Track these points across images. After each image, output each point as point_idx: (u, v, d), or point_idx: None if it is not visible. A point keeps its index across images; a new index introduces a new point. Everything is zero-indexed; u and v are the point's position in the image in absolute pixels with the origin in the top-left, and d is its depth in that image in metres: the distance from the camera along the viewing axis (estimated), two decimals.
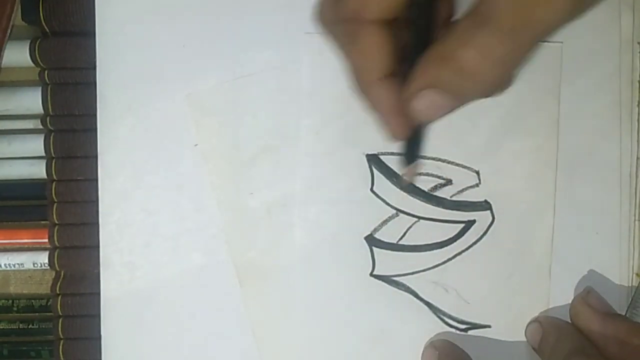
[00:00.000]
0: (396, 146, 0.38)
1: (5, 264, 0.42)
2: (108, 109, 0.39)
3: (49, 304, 0.42)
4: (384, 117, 0.30)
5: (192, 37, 0.38)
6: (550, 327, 0.37)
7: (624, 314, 0.38)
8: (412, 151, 0.33)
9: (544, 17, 0.27)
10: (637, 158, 0.39)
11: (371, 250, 0.38)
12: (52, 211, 0.40)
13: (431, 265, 0.38)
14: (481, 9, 0.27)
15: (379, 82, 0.29)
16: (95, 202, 0.39)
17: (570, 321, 0.37)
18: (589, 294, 0.37)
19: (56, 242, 0.40)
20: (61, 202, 0.40)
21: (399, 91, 0.29)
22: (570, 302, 0.38)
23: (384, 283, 0.38)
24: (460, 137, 0.38)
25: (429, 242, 0.38)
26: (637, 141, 0.39)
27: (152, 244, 0.39)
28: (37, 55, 0.40)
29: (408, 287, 0.38)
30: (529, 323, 0.38)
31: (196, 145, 0.39)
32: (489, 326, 0.38)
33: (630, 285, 0.38)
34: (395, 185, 0.38)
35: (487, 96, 0.29)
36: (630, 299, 0.38)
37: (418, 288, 0.38)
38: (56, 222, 0.40)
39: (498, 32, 0.26)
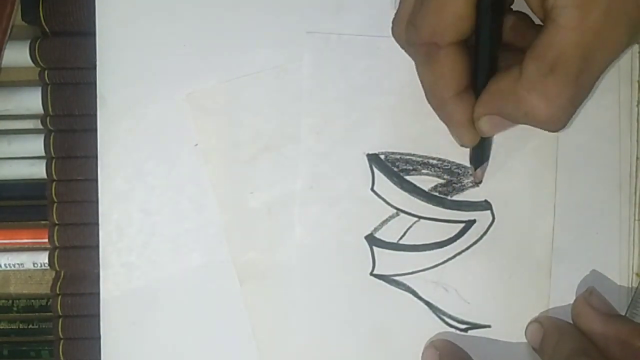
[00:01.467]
0: (397, 146, 0.38)
1: (5, 264, 0.42)
2: (108, 109, 0.39)
3: (49, 304, 0.42)
4: (456, 128, 0.33)
5: (192, 37, 0.38)
6: (551, 327, 0.37)
7: (624, 314, 0.38)
8: (479, 156, 0.36)
9: (606, 58, 0.28)
10: (637, 158, 0.39)
11: (371, 250, 0.38)
12: (52, 211, 0.40)
13: (431, 265, 0.38)
14: (547, 55, 0.28)
15: (452, 99, 0.31)
16: (95, 202, 0.39)
17: (571, 321, 0.37)
18: (591, 295, 0.37)
19: (56, 242, 0.40)
20: (61, 202, 0.40)
21: (470, 105, 0.31)
22: (570, 302, 0.38)
23: (384, 282, 0.38)
24: None
25: (429, 242, 0.38)
26: (637, 141, 0.39)
27: (152, 244, 0.39)
28: (37, 55, 0.40)
29: (408, 287, 0.38)
30: (530, 323, 0.38)
31: (196, 145, 0.39)
32: (489, 326, 0.38)
33: (630, 285, 0.38)
34: (396, 185, 0.38)
35: (548, 131, 0.31)
36: (630, 299, 0.38)
37: (418, 288, 0.38)
38: (56, 222, 0.40)
39: (564, 80, 0.28)
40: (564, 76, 0.28)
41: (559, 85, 0.28)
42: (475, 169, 0.37)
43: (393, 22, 0.33)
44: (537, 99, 0.29)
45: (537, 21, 0.31)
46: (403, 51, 0.33)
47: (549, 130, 0.30)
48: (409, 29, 0.31)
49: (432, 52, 0.30)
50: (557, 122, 0.29)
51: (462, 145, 0.34)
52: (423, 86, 0.32)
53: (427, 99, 0.32)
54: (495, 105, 0.30)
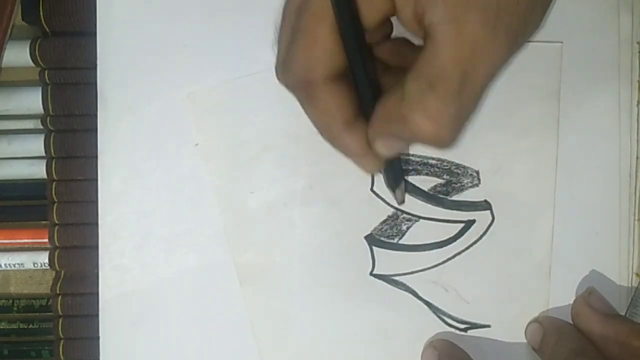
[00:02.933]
0: None
1: (5, 264, 0.42)
2: (108, 109, 0.39)
3: (49, 304, 0.42)
4: (356, 158, 0.32)
5: (192, 37, 0.38)
6: (550, 327, 0.37)
7: (623, 313, 0.38)
8: (393, 177, 0.35)
9: (487, 72, 0.28)
10: (637, 158, 0.39)
11: (371, 250, 0.38)
12: (52, 211, 0.40)
13: (431, 265, 0.38)
14: (426, 72, 0.27)
15: (343, 131, 0.31)
16: (95, 202, 0.39)
17: (571, 321, 0.37)
18: (590, 295, 0.37)
19: (56, 242, 0.40)
20: (61, 202, 0.40)
21: (363, 133, 0.31)
22: (570, 302, 0.38)
23: (383, 282, 0.38)
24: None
25: (429, 242, 0.38)
26: (637, 141, 0.39)
27: (151, 244, 0.39)
28: (37, 55, 0.40)
29: (408, 287, 0.38)
30: (529, 323, 0.38)
31: (197, 144, 0.39)
32: (488, 326, 0.38)
33: (630, 285, 0.38)
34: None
35: (437, 149, 0.30)
36: (630, 299, 0.38)
37: (418, 287, 0.38)
38: (56, 222, 0.40)
39: (444, 97, 0.27)
40: (444, 92, 0.27)
41: (439, 102, 0.27)
42: (393, 191, 0.36)
43: (275, 69, 0.32)
44: (420, 118, 0.28)
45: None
46: None
47: (438, 148, 0.29)
48: (283, 72, 0.30)
49: (310, 90, 0.30)
50: (444, 140, 0.28)
51: (369, 173, 0.34)
52: (313, 124, 0.32)
53: (321, 135, 0.32)
54: (384, 128, 0.30)
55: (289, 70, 0.30)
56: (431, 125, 0.28)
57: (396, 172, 0.35)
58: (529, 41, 0.34)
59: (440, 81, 0.27)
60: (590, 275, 0.38)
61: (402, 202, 0.37)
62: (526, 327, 0.38)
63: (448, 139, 0.28)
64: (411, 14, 0.28)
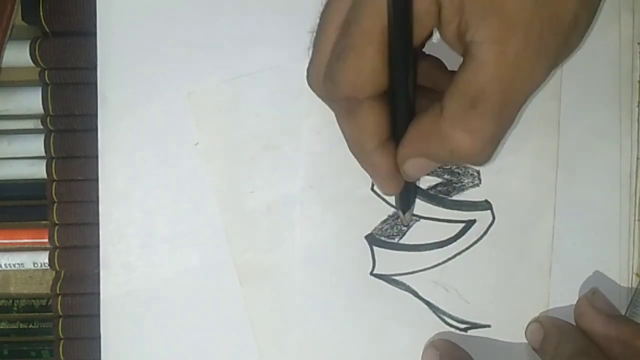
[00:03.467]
0: None
1: (5, 264, 0.42)
2: (108, 109, 0.39)
3: (49, 304, 0.42)
4: (381, 178, 0.33)
5: (192, 36, 0.38)
6: (552, 328, 0.36)
7: (624, 313, 0.38)
8: (406, 200, 0.35)
9: (526, 90, 0.28)
10: (637, 158, 0.39)
11: (371, 250, 0.38)
12: (52, 211, 0.40)
13: (431, 265, 0.38)
14: (468, 90, 0.28)
15: (375, 149, 0.31)
16: (95, 202, 0.39)
17: (572, 321, 0.37)
18: (594, 295, 0.36)
19: (56, 242, 0.40)
20: (61, 202, 0.40)
21: (392, 154, 0.31)
22: (570, 301, 0.38)
23: (384, 282, 0.38)
24: None
25: (429, 242, 0.38)
26: (637, 141, 0.39)
27: (152, 244, 0.39)
28: (37, 55, 0.40)
29: (408, 287, 0.38)
30: (530, 323, 0.38)
31: (197, 144, 0.39)
32: (488, 326, 0.38)
33: (630, 285, 0.38)
34: None
35: (473, 165, 0.30)
36: (630, 299, 0.38)
37: (418, 287, 0.38)
38: (56, 222, 0.40)
39: (486, 114, 0.28)
40: (486, 110, 0.28)
41: (481, 120, 0.28)
42: (404, 213, 0.36)
43: (308, 71, 0.32)
44: (461, 135, 0.28)
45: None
46: None
47: (475, 165, 0.30)
48: (327, 85, 0.30)
49: (353, 107, 0.30)
50: (483, 156, 0.29)
51: (385, 194, 0.34)
52: (345, 138, 0.32)
53: (350, 150, 0.32)
54: (419, 147, 0.30)
55: (336, 84, 0.30)
56: (472, 142, 0.28)
57: (411, 195, 0.36)
58: None
59: (482, 100, 0.28)
60: (591, 276, 0.38)
61: (408, 224, 0.38)
62: (526, 327, 0.38)
63: (487, 156, 0.29)
64: (454, 30, 0.28)
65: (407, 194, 0.35)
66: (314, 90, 0.32)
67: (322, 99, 0.32)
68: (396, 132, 0.31)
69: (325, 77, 0.30)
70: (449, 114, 0.28)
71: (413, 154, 0.30)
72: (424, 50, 0.32)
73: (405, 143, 0.30)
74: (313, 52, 0.31)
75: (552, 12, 0.27)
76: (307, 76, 0.32)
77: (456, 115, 0.28)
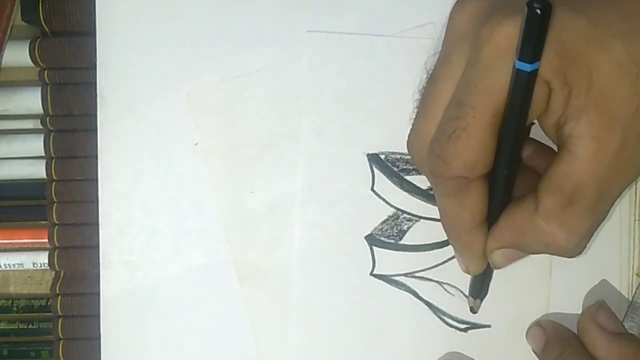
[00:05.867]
0: (397, 146, 0.38)
1: (5, 264, 0.42)
2: (108, 109, 0.39)
3: (48, 304, 0.42)
4: (469, 258, 0.33)
5: (192, 36, 0.38)
6: (554, 336, 0.36)
7: (623, 314, 0.38)
8: (480, 287, 0.36)
9: (621, 187, 0.29)
10: None
11: (371, 250, 0.38)
12: (52, 211, 0.40)
13: (431, 265, 0.38)
14: (564, 186, 0.28)
15: (472, 230, 0.31)
16: (95, 202, 0.39)
17: (572, 325, 0.37)
18: (598, 310, 0.36)
19: (56, 242, 0.40)
20: (61, 202, 0.40)
21: (485, 235, 0.32)
22: (570, 302, 0.38)
23: (384, 282, 0.38)
24: None
25: (429, 242, 0.38)
26: None
27: (152, 244, 0.39)
28: (37, 55, 0.40)
29: (408, 287, 0.38)
30: (531, 326, 0.38)
31: (196, 144, 0.39)
32: (488, 326, 0.38)
33: (630, 285, 0.38)
34: (396, 185, 0.38)
35: (564, 257, 0.31)
36: (630, 299, 0.38)
37: (418, 288, 0.38)
38: (56, 222, 0.40)
39: (583, 211, 0.29)
40: (583, 207, 0.28)
41: (578, 217, 0.29)
42: (474, 299, 0.37)
43: (410, 138, 0.32)
44: (558, 230, 0.29)
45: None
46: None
47: (568, 257, 0.31)
48: (436, 162, 0.30)
49: (461, 186, 0.30)
50: (578, 249, 0.30)
51: (468, 273, 0.35)
52: (443, 215, 0.32)
53: (445, 227, 0.33)
54: (511, 239, 0.31)
55: (446, 164, 0.30)
56: (569, 238, 0.29)
57: (487, 282, 0.36)
58: None
59: (579, 197, 0.28)
60: (591, 276, 0.38)
61: (475, 312, 0.38)
62: (528, 329, 0.38)
63: (581, 249, 0.30)
64: (554, 121, 0.29)
65: (484, 281, 0.36)
66: (414, 160, 0.33)
67: (424, 172, 0.32)
68: (491, 213, 0.31)
69: (432, 154, 0.30)
70: (546, 209, 0.29)
71: (504, 245, 0.31)
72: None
73: (497, 233, 0.31)
74: (418, 121, 0.32)
75: None
76: (410, 145, 0.33)
77: (553, 210, 0.29)
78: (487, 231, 0.32)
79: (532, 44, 0.26)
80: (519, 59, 0.27)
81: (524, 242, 0.31)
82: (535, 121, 0.31)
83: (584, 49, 0.27)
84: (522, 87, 0.27)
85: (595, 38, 0.27)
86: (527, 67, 0.27)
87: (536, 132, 0.32)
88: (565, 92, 0.28)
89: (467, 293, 0.38)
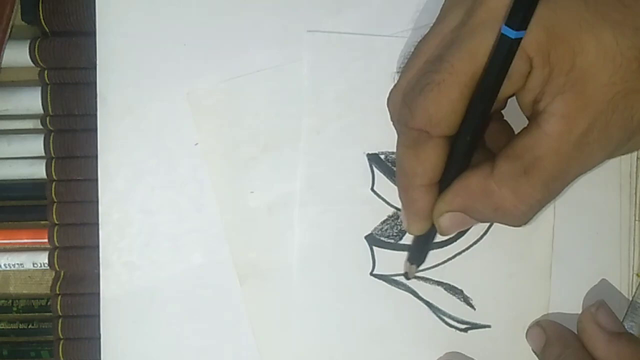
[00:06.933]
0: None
1: (5, 264, 0.42)
2: (108, 109, 0.39)
3: (48, 304, 0.42)
4: (413, 216, 0.33)
5: (192, 37, 0.38)
6: (554, 336, 0.36)
7: (623, 314, 0.38)
8: (419, 253, 0.36)
9: (579, 171, 0.29)
10: (637, 158, 0.39)
11: (371, 250, 0.38)
12: (52, 211, 0.40)
13: (431, 265, 0.38)
14: (524, 156, 0.29)
15: (422, 187, 0.31)
16: (95, 202, 0.39)
17: (571, 325, 0.37)
18: (598, 310, 0.36)
19: (56, 242, 0.40)
20: (61, 202, 0.40)
21: (434, 197, 0.32)
22: (570, 302, 0.38)
23: (384, 282, 0.38)
24: None
25: None
26: None
27: (152, 244, 0.39)
28: (37, 55, 0.40)
29: (408, 287, 0.38)
30: (531, 326, 0.38)
31: (196, 144, 0.39)
32: (488, 326, 0.38)
33: (630, 285, 0.38)
34: (396, 185, 0.38)
35: (509, 225, 0.31)
36: (630, 299, 0.38)
37: (418, 288, 0.38)
38: (56, 222, 0.40)
39: (537, 183, 0.29)
40: (537, 179, 0.29)
41: (531, 186, 0.29)
42: (411, 264, 0.37)
43: (390, 93, 0.32)
44: (509, 194, 0.29)
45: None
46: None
47: (513, 225, 0.31)
48: (402, 109, 0.31)
49: (421, 140, 0.30)
50: (523, 218, 0.30)
51: (408, 232, 0.35)
52: (398, 166, 0.32)
53: (397, 179, 0.33)
54: (462, 202, 0.31)
55: (412, 113, 0.30)
56: (518, 205, 0.29)
57: (426, 250, 0.36)
58: None
59: (536, 168, 0.29)
60: (591, 276, 0.38)
61: (410, 278, 0.38)
62: (528, 330, 0.38)
63: (526, 219, 0.30)
64: (531, 98, 0.29)
65: (424, 246, 0.36)
66: (389, 111, 0.33)
67: (393, 123, 0.32)
68: (445, 179, 0.31)
69: (403, 103, 0.31)
70: (501, 173, 0.29)
71: (454, 207, 0.31)
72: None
73: (447, 196, 0.31)
74: (400, 76, 0.32)
75: (626, 106, 0.28)
76: (388, 97, 0.32)
77: (507, 175, 0.29)
78: (437, 194, 0.32)
79: (521, 11, 0.27)
80: (506, 24, 0.27)
81: (473, 206, 0.31)
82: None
83: (574, 31, 0.28)
84: (503, 54, 0.28)
85: (588, 22, 0.28)
86: (511, 33, 0.27)
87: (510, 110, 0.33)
88: (546, 72, 0.28)
89: (467, 294, 0.38)
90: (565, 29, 0.28)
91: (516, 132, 0.31)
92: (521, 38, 0.27)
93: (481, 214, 0.31)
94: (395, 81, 0.32)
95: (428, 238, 0.35)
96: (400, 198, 0.33)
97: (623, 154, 0.31)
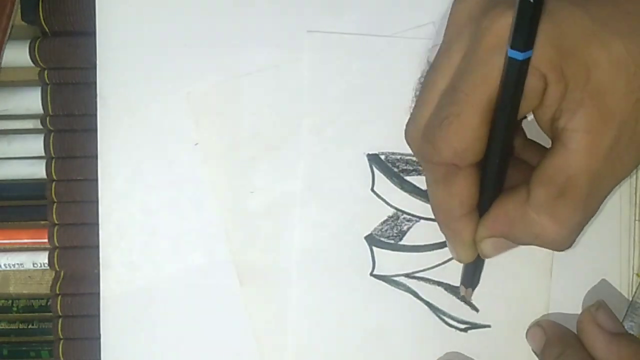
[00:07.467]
0: (397, 146, 0.38)
1: (5, 264, 0.42)
2: (108, 109, 0.39)
3: (48, 304, 0.42)
4: (459, 245, 0.33)
5: (192, 36, 0.38)
6: (554, 336, 0.36)
7: (624, 314, 0.38)
8: (471, 277, 0.36)
9: (613, 182, 0.29)
10: None
11: (371, 250, 0.38)
12: (52, 211, 0.40)
13: (431, 265, 0.38)
14: (557, 179, 0.28)
15: (462, 218, 0.31)
16: (95, 202, 0.39)
17: (572, 325, 0.37)
18: (598, 310, 0.36)
19: (56, 242, 0.40)
20: (61, 202, 0.40)
21: (475, 224, 0.32)
22: (571, 302, 0.38)
23: (384, 283, 0.38)
24: None
25: (429, 242, 0.38)
26: None
27: (152, 244, 0.39)
28: (37, 55, 0.40)
29: (408, 287, 0.38)
30: (531, 326, 0.38)
31: (196, 144, 0.39)
32: (488, 326, 0.38)
33: (630, 285, 0.38)
34: (396, 185, 0.38)
35: (553, 250, 0.32)
36: (630, 300, 0.38)
37: (418, 288, 0.38)
38: (56, 222, 0.40)
39: (574, 204, 0.29)
40: (574, 200, 0.28)
41: (569, 209, 0.29)
42: (466, 289, 0.37)
43: (407, 126, 0.32)
44: (548, 222, 0.29)
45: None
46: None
47: (557, 250, 0.31)
48: (426, 147, 0.30)
49: (451, 173, 0.30)
50: (567, 242, 0.30)
51: (457, 260, 0.35)
52: (433, 201, 0.32)
53: (435, 214, 0.33)
54: (501, 229, 0.31)
55: (437, 150, 0.30)
56: (559, 230, 0.29)
57: (478, 272, 0.36)
58: None
59: (571, 189, 0.28)
60: (591, 276, 0.38)
61: (467, 302, 0.38)
62: (528, 330, 0.38)
63: (571, 241, 0.30)
64: (549, 114, 0.29)
65: (475, 271, 0.36)
66: (410, 146, 0.32)
67: (417, 158, 0.33)
68: (482, 204, 0.31)
69: (424, 139, 0.30)
70: (537, 200, 0.29)
71: (493, 233, 0.31)
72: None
73: (487, 222, 0.31)
74: (415, 109, 0.32)
75: None
76: (406, 132, 0.32)
77: (544, 202, 0.29)
78: (477, 220, 0.32)
79: (524, 31, 0.27)
80: (511, 47, 0.27)
81: (513, 233, 0.31)
82: (530, 116, 0.31)
83: (583, 44, 0.27)
84: (514, 76, 0.27)
85: (595, 34, 0.28)
86: (519, 55, 0.27)
87: (532, 128, 0.33)
88: (561, 87, 0.28)
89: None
90: (574, 43, 0.27)
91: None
92: (529, 58, 0.27)
93: (522, 241, 0.31)
94: (412, 106, 0.32)
95: (478, 262, 0.35)
96: (443, 231, 0.33)
97: None
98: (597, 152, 0.28)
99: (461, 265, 0.36)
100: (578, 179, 0.28)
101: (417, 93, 0.31)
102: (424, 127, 0.30)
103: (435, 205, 0.32)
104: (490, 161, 0.30)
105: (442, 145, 0.29)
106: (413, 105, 0.32)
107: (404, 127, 0.32)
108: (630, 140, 0.28)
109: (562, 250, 0.31)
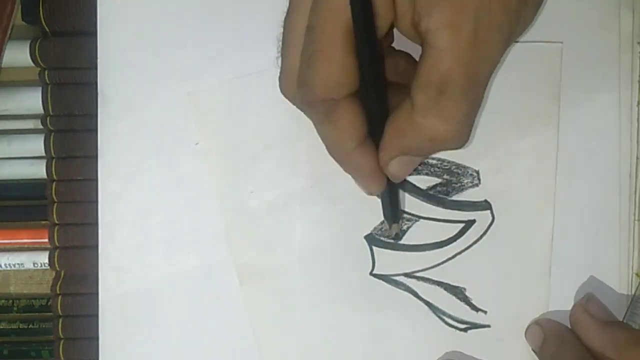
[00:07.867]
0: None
1: (5, 264, 0.42)
2: (108, 109, 0.39)
3: (49, 304, 0.42)
4: (364, 178, 0.33)
5: (193, 36, 0.38)
6: (551, 333, 0.36)
7: (624, 314, 0.38)
8: (391, 210, 0.36)
9: (487, 68, 0.29)
10: (637, 158, 0.39)
11: (371, 250, 0.38)
12: (52, 211, 0.40)
13: (431, 265, 0.38)
14: (432, 79, 0.28)
15: (357, 150, 0.31)
16: (95, 202, 0.39)
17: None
18: (588, 302, 0.36)
19: (56, 242, 0.40)
20: (61, 202, 0.40)
21: (373, 153, 0.32)
22: (570, 302, 0.38)
23: (383, 282, 0.38)
24: None
25: (429, 242, 0.38)
26: (637, 141, 0.39)
27: (151, 244, 0.39)
28: (37, 55, 0.40)
29: (408, 287, 0.38)
30: (530, 325, 0.38)
31: (197, 144, 0.39)
32: (488, 326, 0.38)
33: (630, 285, 0.38)
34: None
35: (454, 149, 0.31)
36: (630, 299, 0.38)
37: (418, 288, 0.38)
38: (56, 222, 0.40)
39: (455, 98, 0.29)
40: (454, 94, 0.28)
41: (452, 104, 0.29)
42: (392, 224, 0.37)
43: (280, 80, 0.32)
44: (436, 122, 0.29)
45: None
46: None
47: (454, 148, 0.31)
48: (302, 90, 0.31)
49: (330, 108, 0.30)
50: (461, 138, 0.30)
51: (369, 194, 0.35)
52: (324, 142, 0.32)
53: (330, 153, 0.32)
54: (398, 145, 0.31)
55: (310, 89, 0.30)
56: (448, 127, 0.29)
57: (396, 202, 0.36)
58: (529, 41, 0.36)
59: (448, 84, 0.28)
60: (591, 276, 0.38)
61: (396, 237, 0.38)
62: (526, 329, 0.38)
63: (464, 137, 0.30)
64: (409, 21, 0.29)
65: (392, 200, 0.35)
66: (288, 99, 0.32)
67: (298, 107, 0.32)
68: (373, 131, 0.31)
69: (299, 84, 0.31)
70: (420, 105, 0.29)
71: (395, 153, 0.31)
72: (393, 45, 0.33)
73: (384, 144, 0.31)
74: (282, 61, 0.32)
75: None
76: (280, 85, 0.32)
77: (427, 104, 0.29)
78: (374, 148, 0.32)
79: None
80: None
81: (411, 144, 0.30)
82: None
83: None
84: None
85: None
86: None
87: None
88: None
89: (467, 294, 0.38)
90: None
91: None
92: None
93: (422, 149, 0.31)
94: (279, 66, 0.32)
95: (392, 191, 0.35)
96: (345, 169, 0.33)
97: (522, 33, 0.31)
98: (462, 43, 0.28)
99: (460, 267, 0.37)
100: (452, 72, 0.28)
101: (280, 44, 0.31)
102: (297, 75, 0.31)
103: (328, 146, 0.32)
104: (367, 88, 0.30)
105: (314, 83, 0.29)
106: (279, 59, 0.32)
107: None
108: (490, 22, 0.28)
109: (460, 147, 0.31)
